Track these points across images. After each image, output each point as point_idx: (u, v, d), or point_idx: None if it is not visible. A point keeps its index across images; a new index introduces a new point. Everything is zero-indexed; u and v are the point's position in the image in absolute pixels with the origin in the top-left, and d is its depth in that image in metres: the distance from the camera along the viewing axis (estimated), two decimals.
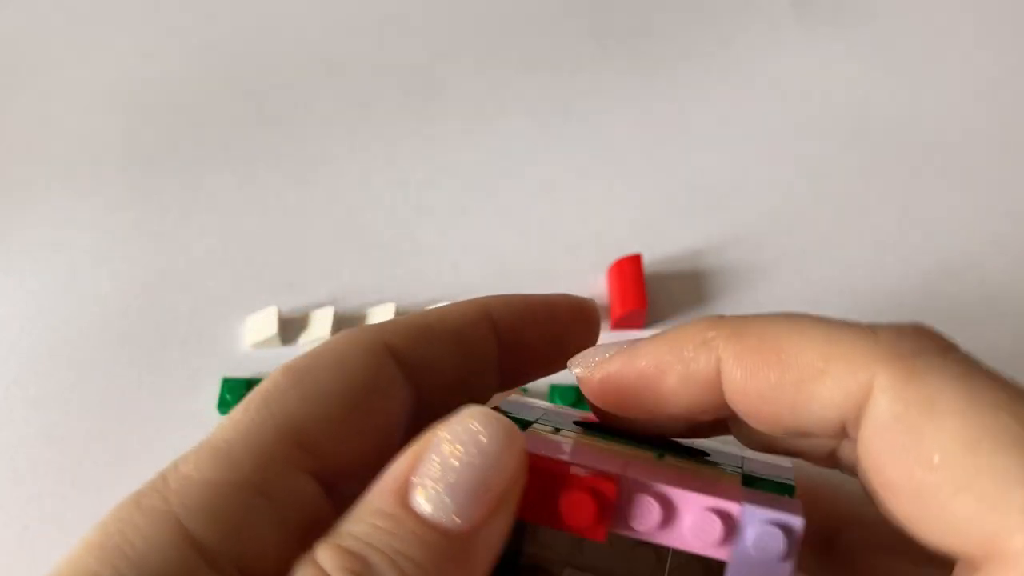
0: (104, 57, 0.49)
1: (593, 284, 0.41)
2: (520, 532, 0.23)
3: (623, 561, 0.23)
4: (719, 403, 0.19)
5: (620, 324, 0.39)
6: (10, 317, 0.41)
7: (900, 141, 0.45)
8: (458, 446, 0.16)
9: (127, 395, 0.39)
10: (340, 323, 0.40)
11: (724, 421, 0.21)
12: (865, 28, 0.49)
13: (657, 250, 0.41)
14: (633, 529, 0.19)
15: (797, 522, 0.18)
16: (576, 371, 0.20)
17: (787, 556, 0.18)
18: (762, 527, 0.18)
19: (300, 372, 0.20)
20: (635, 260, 0.39)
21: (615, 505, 0.19)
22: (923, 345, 0.17)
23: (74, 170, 0.45)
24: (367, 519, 0.16)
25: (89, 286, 0.42)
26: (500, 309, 0.22)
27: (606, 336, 0.39)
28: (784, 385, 0.17)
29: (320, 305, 0.41)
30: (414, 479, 0.17)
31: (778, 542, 0.18)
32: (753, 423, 0.18)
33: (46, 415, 0.38)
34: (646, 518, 0.19)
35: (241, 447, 0.18)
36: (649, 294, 0.40)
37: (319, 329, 0.39)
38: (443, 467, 0.16)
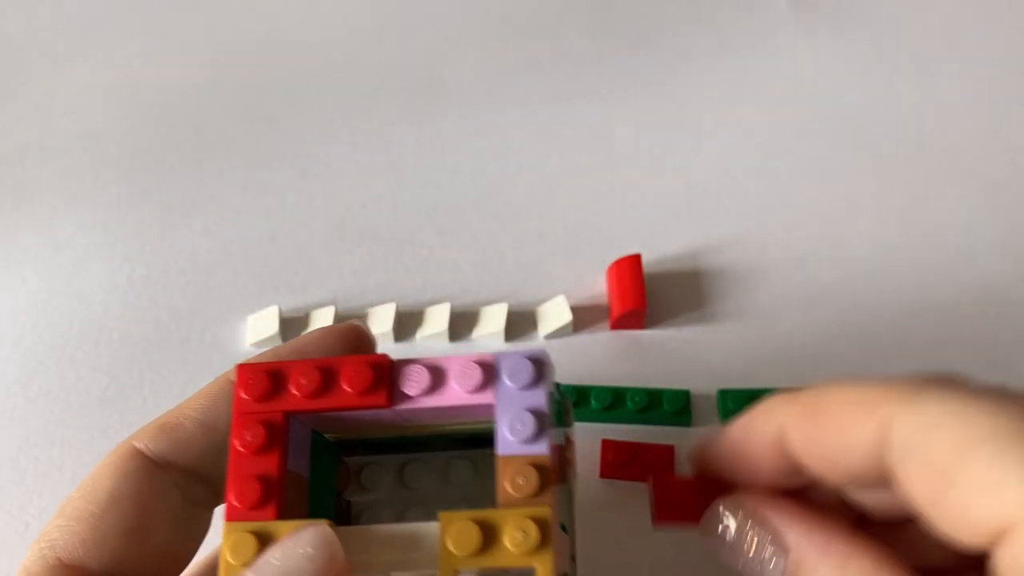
0: (104, 57, 0.49)
1: (593, 284, 0.41)
2: (344, 486, 0.25)
3: (441, 486, 0.25)
4: (793, 463, 0.21)
5: (620, 324, 0.39)
6: (11, 316, 0.41)
7: (899, 141, 0.45)
8: (282, 560, 0.19)
9: (128, 394, 0.39)
10: (341, 322, 0.40)
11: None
12: (864, 28, 0.49)
13: (657, 250, 0.41)
14: (408, 395, 0.22)
15: (541, 352, 0.22)
16: (694, 451, 0.24)
17: (538, 381, 0.22)
18: (514, 361, 0.22)
19: (63, 503, 0.23)
20: (635, 260, 0.39)
21: (390, 374, 0.22)
22: (927, 382, 0.20)
23: (75, 170, 0.45)
24: None
25: (90, 286, 0.42)
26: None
27: (605, 336, 0.39)
28: (827, 433, 0.20)
29: (321, 305, 0.41)
30: None
31: (529, 370, 0.21)
32: (815, 471, 0.21)
33: (47, 414, 0.38)
34: (418, 382, 0.22)
35: None
36: (649, 294, 0.40)
37: None
38: (260, 566, 0.20)
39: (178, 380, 0.39)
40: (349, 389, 0.22)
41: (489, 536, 0.20)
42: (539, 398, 0.21)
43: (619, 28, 0.50)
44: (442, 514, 0.20)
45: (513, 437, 0.21)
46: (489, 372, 0.22)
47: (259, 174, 0.45)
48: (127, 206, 0.44)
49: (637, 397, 0.36)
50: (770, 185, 0.44)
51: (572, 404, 0.36)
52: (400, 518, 0.25)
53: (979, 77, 0.47)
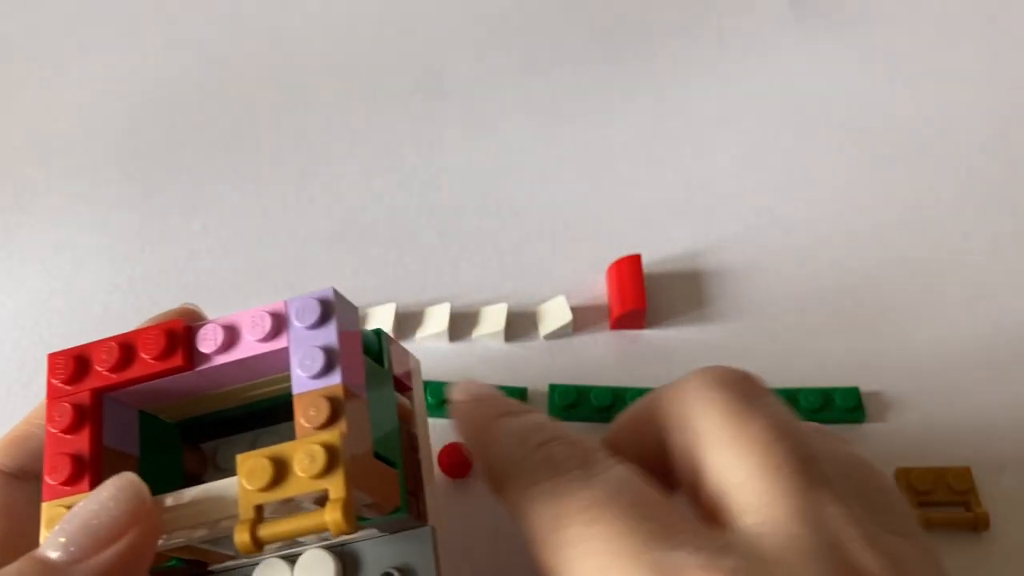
0: (105, 58, 0.49)
1: (593, 284, 0.41)
2: (202, 465, 0.26)
3: None
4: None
5: (619, 324, 0.39)
6: (12, 316, 0.41)
7: (899, 141, 0.45)
8: (87, 505, 0.20)
9: None
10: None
11: None
12: (864, 28, 0.49)
13: (657, 250, 0.41)
14: (205, 354, 0.23)
15: (329, 291, 0.23)
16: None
17: (327, 318, 0.22)
18: (301, 303, 0.22)
19: None
20: (635, 260, 0.39)
21: (186, 337, 0.23)
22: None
23: (75, 170, 0.45)
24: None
25: (91, 285, 0.42)
26: None
27: (605, 336, 0.39)
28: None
29: None
30: (48, 536, 0.21)
31: (315, 309, 0.22)
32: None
33: None
34: (213, 339, 0.23)
35: None
36: (649, 294, 0.40)
37: None
38: (68, 520, 0.20)
39: None
40: (147, 357, 0.22)
41: (282, 469, 0.20)
42: (328, 336, 0.22)
43: (619, 29, 0.50)
44: (238, 456, 0.21)
45: (304, 373, 0.22)
46: (279, 319, 0.23)
47: (259, 174, 0.45)
48: (127, 206, 0.44)
49: (637, 397, 0.36)
50: (770, 185, 0.44)
51: (571, 404, 0.36)
52: None
53: (979, 77, 0.47)
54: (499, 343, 0.39)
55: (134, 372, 0.22)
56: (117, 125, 0.47)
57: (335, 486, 0.20)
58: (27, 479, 0.25)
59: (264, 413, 0.26)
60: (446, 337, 0.39)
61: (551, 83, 0.48)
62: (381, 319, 0.39)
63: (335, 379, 0.21)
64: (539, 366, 0.38)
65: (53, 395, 0.23)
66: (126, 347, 0.23)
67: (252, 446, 0.26)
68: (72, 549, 0.20)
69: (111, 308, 0.41)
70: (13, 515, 0.24)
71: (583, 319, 0.40)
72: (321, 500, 0.20)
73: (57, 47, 0.50)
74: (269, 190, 0.44)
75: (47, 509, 0.21)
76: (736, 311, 0.40)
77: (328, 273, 0.42)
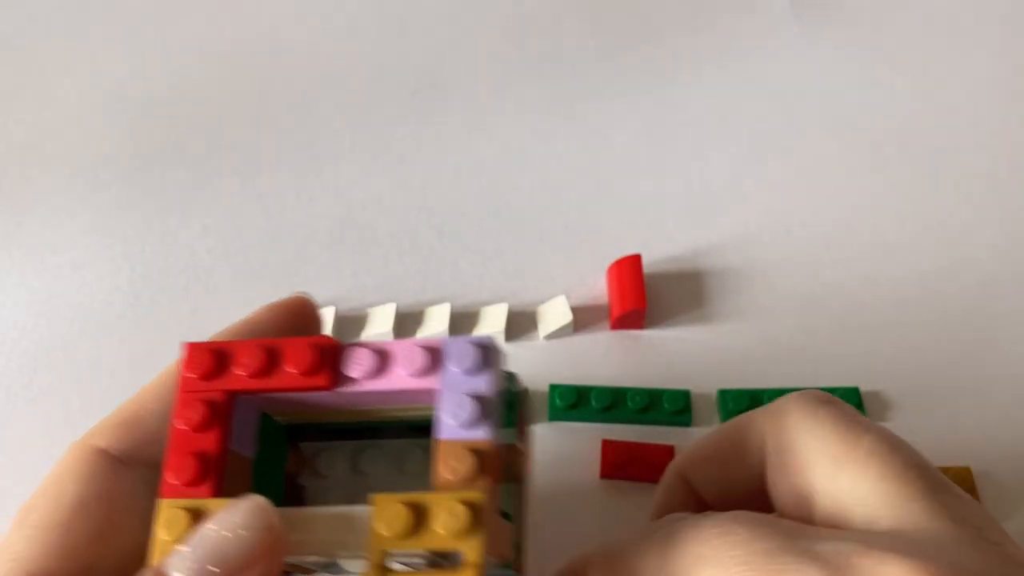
0: (105, 58, 0.49)
1: (593, 284, 0.41)
2: (299, 470, 0.25)
3: (395, 475, 0.25)
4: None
5: (620, 324, 0.39)
6: (12, 316, 0.41)
7: (899, 142, 0.45)
8: (219, 529, 0.19)
9: (128, 394, 0.39)
10: (341, 322, 0.40)
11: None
12: (864, 28, 0.49)
13: (657, 250, 0.41)
14: (351, 378, 0.22)
15: (489, 339, 0.22)
16: None
17: (483, 367, 0.21)
18: (459, 346, 0.21)
19: (23, 512, 0.22)
20: (635, 260, 0.39)
21: (335, 356, 0.22)
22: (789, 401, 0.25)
23: (76, 171, 0.45)
24: None
25: (91, 285, 0.42)
26: None
27: (605, 336, 0.39)
28: (727, 471, 0.26)
29: (322, 305, 0.40)
30: (174, 552, 0.19)
31: (473, 355, 0.21)
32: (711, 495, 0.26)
33: (48, 414, 0.38)
34: (362, 365, 0.22)
35: None
36: (649, 294, 0.40)
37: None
38: (198, 543, 0.19)
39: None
40: (292, 370, 0.22)
41: (420, 519, 0.19)
42: (483, 384, 0.21)
43: (619, 28, 0.50)
44: (375, 496, 0.20)
45: (453, 421, 0.21)
46: (434, 356, 0.22)
47: (259, 174, 0.45)
48: (127, 206, 0.44)
49: (637, 397, 0.36)
50: (770, 185, 0.44)
51: (571, 404, 0.36)
52: (352, 504, 0.25)
53: (979, 77, 0.47)
54: (500, 343, 0.39)
55: (275, 382, 0.22)
56: (117, 125, 0.47)
57: (473, 550, 0.19)
58: (133, 465, 0.23)
59: (370, 426, 0.25)
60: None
61: (551, 83, 0.48)
62: (381, 319, 0.39)
63: (484, 433, 0.21)
64: (539, 366, 0.38)
65: (185, 388, 0.22)
66: (271, 354, 0.22)
67: (355, 457, 0.25)
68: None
69: (111, 308, 0.41)
70: (114, 503, 0.22)
71: (583, 319, 0.40)
72: (443, 555, 0.20)
73: (57, 47, 0.50)
74: (269, 190, 0.44)
75: (165, 508, 0.20)
76: (736, 311, 0.40)
77: (328, 273, 0.42)
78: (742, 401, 0.36)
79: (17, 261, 0.43)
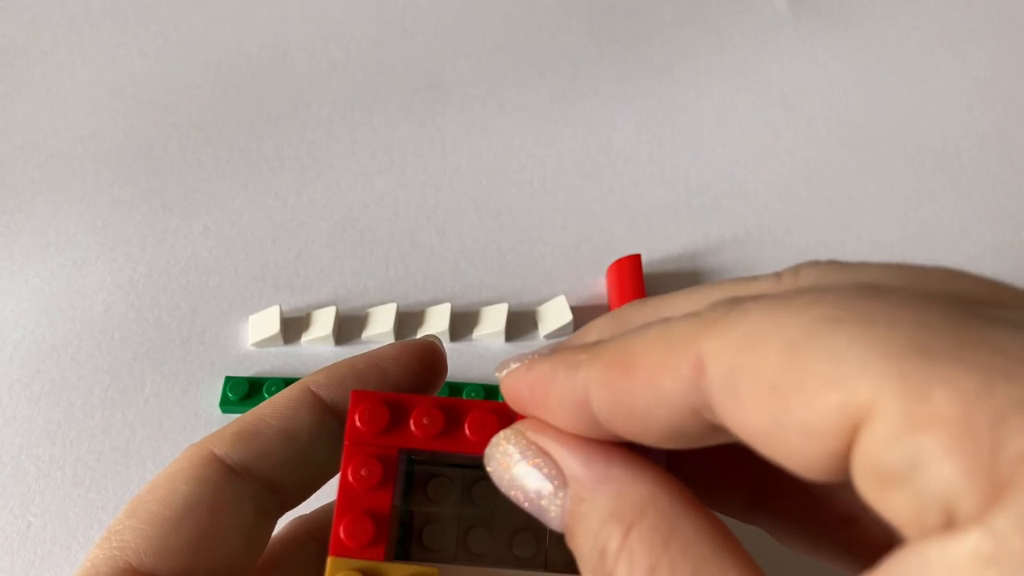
0: (105, 57, 0.49)
1: (593, 284, 0.41)
2: (409, 492, 0.24)
3: (505, 509, 0.24)
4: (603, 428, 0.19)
5: None
6: (13, 316, 0.41)
7: (898, 142, 0.45)
8: None
9: (129, 394, 0.39)
10: (342, 323, 0.40)
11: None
12: (863, 29, 0.49)
13: (657, 250, 0.41)
14: None
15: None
16: (497, 373, 0.22)
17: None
18: None
19: (134, 503, 0.22)
20: (635, 260, 0.40)
21: (511, 423, 0.21)
22: (736, 300, 0.17)
23: (77, 170, 0.45)
24: None
25: (92, 285, 0.42)
26: (324, 384, 0.24)
27: None
28: (635, 392, 0.17)
29: (322, 305, 0.41)
30: None
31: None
32: (629, 437, 0.18)
33: (49, 414, 0.39)
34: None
35: None
36: (649, 294, 0.40)
37: (321, 329, 0.40)
38: None
39: (179, 380, 0.39)
40: (471, 436, 0.21)
41: None
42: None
43: (619, 28, 0.50)
44: None
45: None
46: None
47: (259, 174, 0.45)
48: (128, 206, 0.44)
49: None
50: (770, 185, 0.44)
51: None
52: (463, 536, 0.25)
53: (978, 78, 0.47)
54: (499, 343, 0.40)
55: (452, 445, 0.21)
56: (117, 125, 0.47)
57: None
58: (245, 479, 0.23)
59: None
60: (447, 337, 0.40)
61: (551, 83, 0.48)
62: (381, 319, 0.40)
63: None
64: None
65: (355, 440, 0.21)
66: (451, 415, 0.21)
67: (469, 488, 0.25)
68: None
69: (111, 308, 0.41)
70: (220, 511, 0.22)
71: (583, 319, 0.40)
72: None
73: (57, 47, 0.50)
74: (269, 190, 0.45)
75: (338, 568, 0.20)
76: None
77: (328, 273, 0.42)
78: None
79: (18, 261, 0.43)
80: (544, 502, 0.19)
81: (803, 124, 0.46)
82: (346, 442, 0.21)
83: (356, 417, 0.21)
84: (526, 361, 0.20)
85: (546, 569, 0.23)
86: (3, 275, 0.42)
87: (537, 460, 0.19)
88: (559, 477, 0.19)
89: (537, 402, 0.20)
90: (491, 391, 0.38)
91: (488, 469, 0.20)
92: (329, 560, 0.20)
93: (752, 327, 0.16)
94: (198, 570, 0.22)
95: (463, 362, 0.39)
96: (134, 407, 0.39)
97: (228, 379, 0.38)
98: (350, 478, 0.21)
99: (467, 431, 0.21)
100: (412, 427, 0.21)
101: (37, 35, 0.50)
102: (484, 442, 0.21)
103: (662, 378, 0.17)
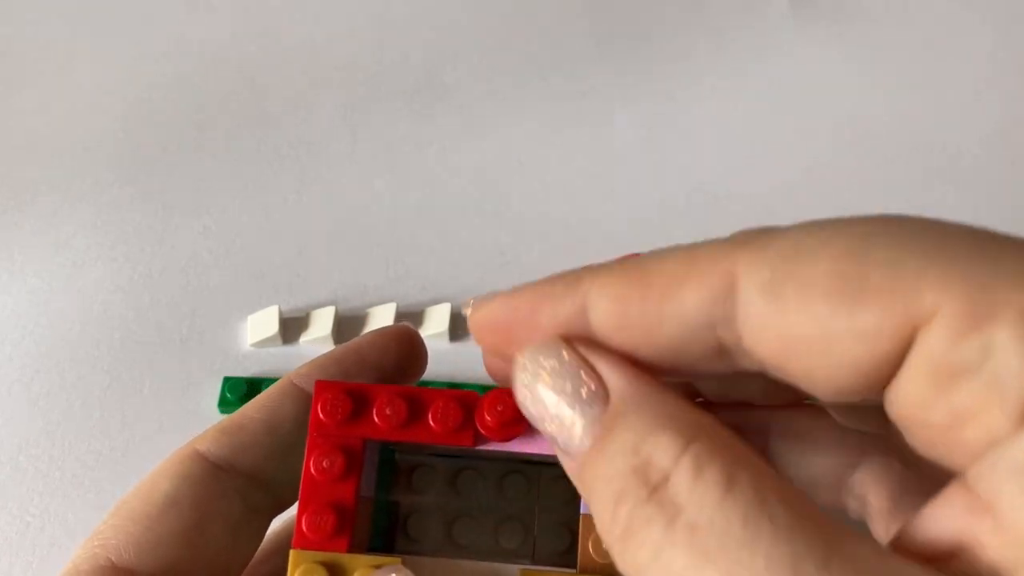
0: (105, 57, 0.49)
1: None
2: (393, 482, 0.24)
3: (491, 501, 0.24)
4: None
5: None
6: (12, 317, 0.41)
7: (899, 142, 0.45)
8: None
9: (128, 394, 0.39)
10: (341, 323, 0.40)
11: None
12: (864, 29, 0.49)
13: None
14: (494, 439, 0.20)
15: None
16: (465, 311, 0.21)
17: None
18: None
19: (118, 504, 0.22)
20: None
21: (477, 409, 0.20)
22: (770, 228, 0.17)
23: (75, 170, 0.45)
24: None
25: (90, 285, 0.42)
26: (306, 376, 0.24)
27: None
28: (648, 302, 0.17)
29: (321, 305, 0.41)
30: None
31: None
32: (629, 351, 0.18)
33: (48, 414, 0.38)
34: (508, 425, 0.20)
35: None
36: None
37: (320, 329, 0.39)
38: None
39: (178, 380, 0.39)
40: (435, 426, 0.21)
41: None
42: None
43: (619, 28, 0.50)
44: (523, 571, 0.19)
45: None
46: None
47: (259, 174, 0.45)
48: (127, 206, 0.44)
49: None
50: (769, 185, 0.44)
51: None
52: (449, 527, 0.24)
53: (979, 77, 0.47)
54: None
55: (415, 435, 0.21)
56: (117, 125, 0.47)
57: None
58: (229, 474, 0.23)
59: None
60: (446, 337, 0.39)
61: (551, 83, 0.48)
62: (381, 319, 0.39)
63: None
64: None
65: (318, 431, 0.21)
66: (413, 405, 0.21)
67: (453, 476, 0.24)
68: None
69: (111, 308, 0.41)
70: (204, 507, 0.22)
71: None
72: None
73: (57, 47, 0.50)
74: (269, 190, 0.44)
75: (299, 560, 0.20)
76: None
77: (328, 273, 0.42)
78: None
79: (18, 261, 0.43)
80: (571, 418, 0.17)
81: (803, 124, 0.46)
82: (309, 433, 0.21)
83: (318, 407, 0.21)
84: (505, 292, 0.20)
85: (533, 560, 0.23)
86: (2, 275, 0.42)
87: (576, 367, 0.17)
88: (599, 388, 0.17)
89: (520, 323, 0.19)
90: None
91: (516, 381, 0.18)
92: (291, 553, 0.20)
93: (797, 240, 0.16)
94: (182, 566, 0.22)
95: (463, 362, 0.39)
96: (133, 407, 0.38)
97: (227, 379, 0.38)
98: (312, 470, 0.20)
99: (431, 420, 0.21)
100: (375, 417, 0.21)
101: (37, 35, 0.50)
102: (448, 432, 0.20)
103: (682, 290, 0.16)
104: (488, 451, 0.22)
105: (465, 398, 0.21)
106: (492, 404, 0.20)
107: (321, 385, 0.21)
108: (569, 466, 0.17)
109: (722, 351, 0.17)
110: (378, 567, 0.20)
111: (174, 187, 0.45)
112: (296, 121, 0.47)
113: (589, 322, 0.18)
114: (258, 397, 0.24)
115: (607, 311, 0.17)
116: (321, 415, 0.21)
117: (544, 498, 0.23)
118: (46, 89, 0.48)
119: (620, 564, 0.15)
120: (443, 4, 0.51)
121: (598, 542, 0.19)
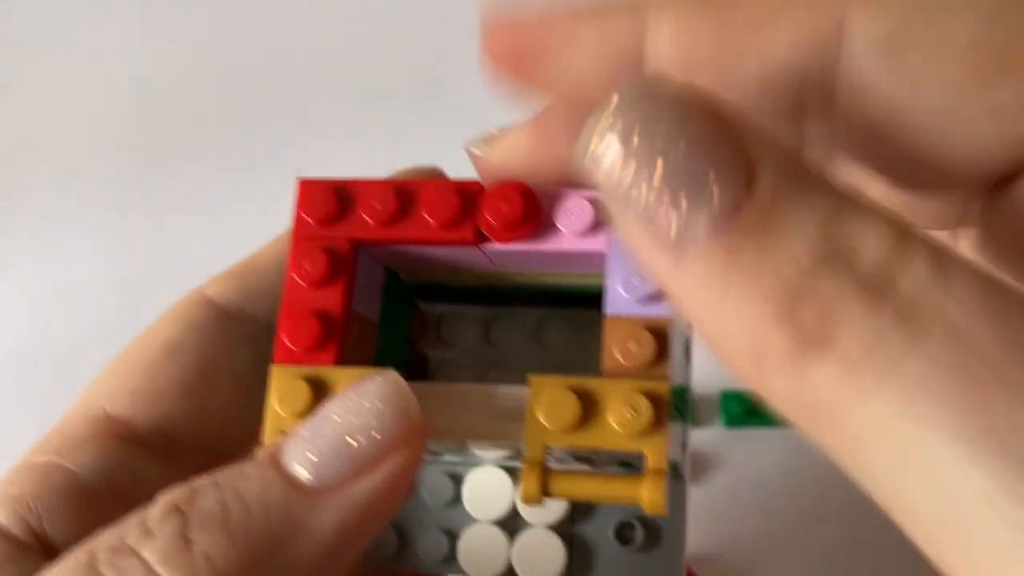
0: (103, 57, 0.49)
1: None
2: (422, 333, 0.22)
3: (526, 351, 0.21)
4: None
5: None
6: (8, 318, 0.41)
7: None
8: (345, 414, 0.15)
9: None
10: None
11: None
12: None
13: None
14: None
15: None
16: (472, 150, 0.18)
17: None
18: None
19: (120, 353, 0.20)
20: None
21: (480, 203, 0.18)
22: None
23: (74, 170, 0.45)
24: (233, 467, 0.16)
25: (89, 285, 0.42)
26: None
27: None
28: (731, 32, 0.13)
29: None
30: (291, 434, 0.16)
31: None
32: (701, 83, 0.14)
33: (46, 414, 0.38)
34: (516, 217, 0.17)
35: (55, 430, 0.20)
36: None
37: None
38: (320, 429, 0.15)
39: None
40: (430, 219, 0.18)
41: (590, 410, 0.16)
42: None
43: None
44: (533, 377, 0.16)
45: (628, 294, 0.16)
46: (601, 212, 0.17)
47: (258, 174, 0.45)
48: (126, 206, 0.44)
49: None
50: None
51: None
52: (482, 379, 0.21)
53: None
54: None
55: (407, 232, 0.18)
56: (115, 124, 0.47)
57: (655, 452, 0.15)
58: (239, 321, 0.20)
59: (506, 291, 0.21)
60: None
61: None
62: None
63: (664, 309, 0.16)
64: None
65: (301, 233, 0.19)
66: (404, 197, 0.18)
67: (486, 325, 0.21)
68: (324, 472, 0.15)
69: (110, 308, 0.41)
70: (209, 355, 0.20)
71: None
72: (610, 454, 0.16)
73: (54, 46, 0.50)
74: (269, 190, 0.44)
75: (281, 376, 0.17)
76: None
77: None
78: (744, 401, 0.36)
79: (16, 261, 0.42)
80: (702, 193, 0.12)
81: None
82: (292, 236, 0.19)
83: (300, 207, 0.19)
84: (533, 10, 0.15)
85: None
86: (0, 274, 0.42)
87: (711, 122, 0.12)
88: (739, 158, 0.11)
89: (552, 43, 0.15)
90: None
91: (599, 134, 0.12)
92: (272, 369, 0.17)
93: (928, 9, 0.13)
94: (184, 418, 0.20)
95: None
96: None
97: None
98: (294, 275, 0.18)
99: (425, 214, 0.18)
100: (362, 214, 0.19)
101: (34, 33, 0.50)
102: (444, 228, 0.18)
103: (775, 27, 0.13)
104: (521, 285, 0.19)
105: (463, 188, 0.18)
106: (498, 193, 0.18)
107: (303, 183, 0.19)
108: (661, 266, 0.13)
109: (798, 110, 0.14)
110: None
111: (173, 187, 0.45)
112: (295, 120, 0.47)
113: (646, 54, 0.14)
114: (274, 240, 0.22)
115: (673, 40, 0.14)
116: (303, 215, 0.19)
117: (590, 344, 0.20)
118: (45, 88, 0.48)
119: (792, 391, 0.12)
120: (443, 4, 0.51)
121: (626, 345, 0.16)
